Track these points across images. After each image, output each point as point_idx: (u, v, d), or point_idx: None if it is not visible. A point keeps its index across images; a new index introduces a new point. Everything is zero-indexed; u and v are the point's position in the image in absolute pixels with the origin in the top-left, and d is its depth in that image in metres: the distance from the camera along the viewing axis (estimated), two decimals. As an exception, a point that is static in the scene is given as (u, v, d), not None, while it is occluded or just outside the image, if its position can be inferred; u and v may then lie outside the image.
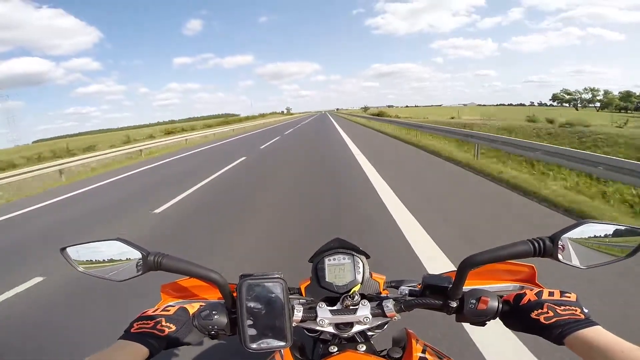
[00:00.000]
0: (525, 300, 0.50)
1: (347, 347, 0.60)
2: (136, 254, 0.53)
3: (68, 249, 0.54)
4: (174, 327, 0.52)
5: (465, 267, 0.52)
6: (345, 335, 0.61)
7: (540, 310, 0.47)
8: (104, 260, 0.54)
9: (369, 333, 0.66)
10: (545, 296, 0.49)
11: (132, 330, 0.50)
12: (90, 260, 0.54)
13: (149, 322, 0.51)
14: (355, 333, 0.62)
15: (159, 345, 0.49)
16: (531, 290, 0.52)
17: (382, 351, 0.64)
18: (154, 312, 0.54)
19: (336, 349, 0.60)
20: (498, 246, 0.50)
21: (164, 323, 0.51)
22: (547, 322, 0.45)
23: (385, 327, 0.65)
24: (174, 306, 0.56)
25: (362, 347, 0.60)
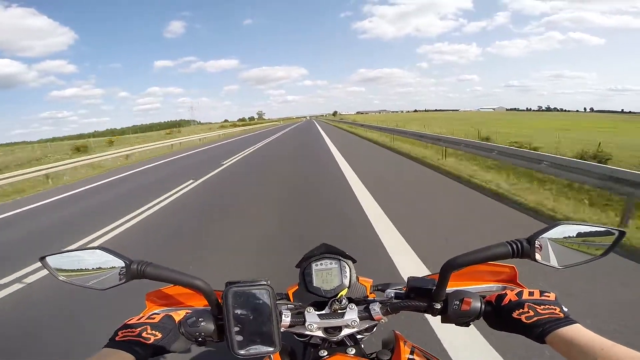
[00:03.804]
0: (506, 300, 0.51)
1: (337, 351, 0.61)
2: (119, 263, 0.52)
3: (48, 258, 0.52)
4: (159, 335, 0.51)
5: (447, 270, 0.53)
6: (335, 339, 0.61)
7: (521, 310, 0.48)
8: (85, 269, 0.53)
9: (359, 336, 0.66)
10: (525, 296, 0.50)
11: (116, 339, 0.49)
12: (72, 269, 0.53)
13: (133, 330, 0.50)
14: (345, 337, 0.62)
15: (145, 353, 0.48)
16: (512, 290, 0.52)
17: (371, 354, 0.64)
18: (138, 320, 0.53)
19: (326, 353, 0.60)
20: (478, 248, 0.51)
21: (149, 331, 0.50)
22: (528, 322, 0.46)
23: (374, 330, 0.66)
24: (159, 314, 0.55)
25: (352, 351, 0.61)
